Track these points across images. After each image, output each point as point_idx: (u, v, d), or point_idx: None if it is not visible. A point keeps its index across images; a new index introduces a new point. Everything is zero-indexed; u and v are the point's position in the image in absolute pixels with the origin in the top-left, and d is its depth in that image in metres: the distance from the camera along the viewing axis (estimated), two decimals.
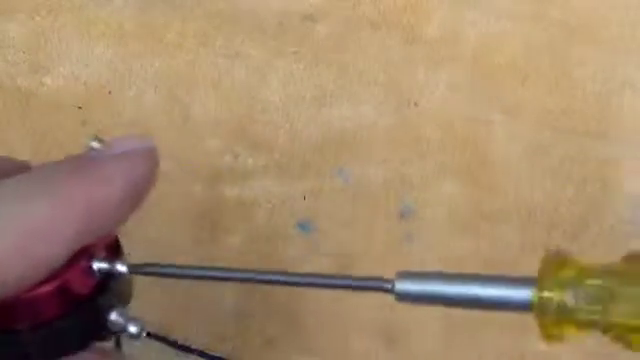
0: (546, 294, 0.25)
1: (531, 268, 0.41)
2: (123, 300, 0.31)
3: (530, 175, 0.42)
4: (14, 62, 0.44)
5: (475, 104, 0.43)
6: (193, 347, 0.41)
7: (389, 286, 0.28)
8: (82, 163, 0.29)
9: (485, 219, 0.42)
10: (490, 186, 0.42)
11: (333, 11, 0.44)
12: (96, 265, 0.29)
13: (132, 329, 0.30)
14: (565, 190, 0.42)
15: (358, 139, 0.43)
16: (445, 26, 0.44)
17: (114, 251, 0.30)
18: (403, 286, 0.28)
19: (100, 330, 0.30)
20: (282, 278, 0.30)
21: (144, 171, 0.30)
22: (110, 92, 0.43)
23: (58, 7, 0.44)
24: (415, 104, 0.43)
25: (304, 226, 0.42)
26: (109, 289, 0.30)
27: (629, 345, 0.25)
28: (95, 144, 0.31)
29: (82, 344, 0.29)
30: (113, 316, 0.30)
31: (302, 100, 0.43)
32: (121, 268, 0.29)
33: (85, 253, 0.29)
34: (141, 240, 0.42)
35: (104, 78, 0.42)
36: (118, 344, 0.37)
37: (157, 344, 0.41)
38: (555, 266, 0.26)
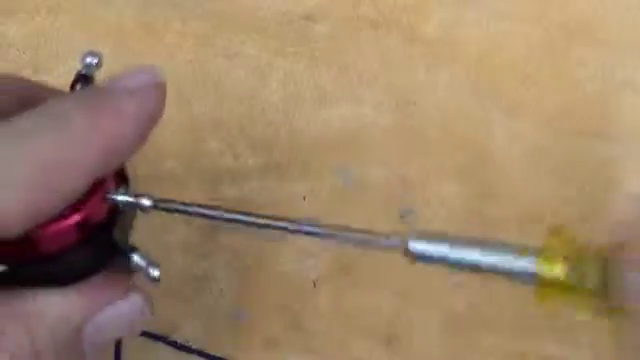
0: (548, 266, 0.28)
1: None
2: (128, 228, 0.33)
3: (530, 175, 0.42)
4: (14, 61, 0.44)
5: (475, 104, 0.43)
6: (193, 347, 0.41)
7: (398, 243, 0.30)
8: (97, 96, 0.31)
9: (485, 219, 0.42)
10: (490, 186, 0.42)
11: (333, 11, 0.44)
12: (121, 198, 0.31)
13: (152, 272, 0.32)
14: (565, 190, 0.42)
15: (358, 139, 0.43)
16: (445, 26, 0.44)
17: (124, 181, 0.32)
18: (416, 245, 0.29)
19: (114, 255, 0.32)
20: (300, 227, 0.31)
21: (154, 105, 0.31)
22: None
23: (58, 7, 0.44)
24: (415, 104, 0.43)
25: None
26: (120, 218, 0.32)
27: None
28: (89, 59, 0.34)
29: (99, 268, 0.31)
30: (135, 258, 0.32)
31: (302, 100, 0.43)
32: (146, 202, 0.32)
33: (100, 184, 0.31)
34: (140, 239, 0.42)
35: (104, 78, 0.42)
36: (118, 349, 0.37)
37: (157, 344, 0.41)
38: (558, 242, 0.29)
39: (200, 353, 0.41)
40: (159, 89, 0.32)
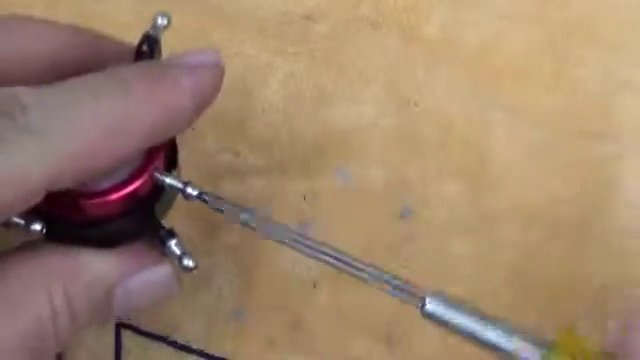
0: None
1: (531, 269, 0.41)
2: (168, 207, 0.35)
3: (530, 175, 0.42)
4: None
5: (475, 104, 0.43)
6: (193, 347, 0.41)
7: (418, 303, 0.31)
8: (158, 68, 0.33)
9: (485, 219, 0.42)
10: (490, 186, 0.42)
11: (333, 11, 0.44)
12: (170, 180, 0.33)
13: (186, 262, 0.33)
14: (565, 190, 0.42)
15: (358, 139, 0.43)
16: (445, 26, 0.44)
17: (173, 165, 0.35)
18: (432, 306, 0.31)
19: (152, 230, 0.34)
20: (327, 256, 0.33)
21: (211, 84, 0.33)
22: None
23: (56, 1, 0.44)
24: (415, 104, 0.43)
25: (304, 226, 0.42)
26: (163, 197, 0.34)
27: None
28: (160, 20, 0.36)
29: (136, 238, 0.34)
30: (172, 244, 0.34)
31: (302, 100, 0.43)
32: (192, 191, 0.34)
33: (151, 162, 0.33)
34: None
35: None
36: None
37: (157, 344, 0.41)
38: (566, 341, 0.31)
39: (200, 353, 0.41)
40: (218, 70, 0.34)
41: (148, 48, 0.37)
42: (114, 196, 0.32)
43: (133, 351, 0.40)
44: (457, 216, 0.42)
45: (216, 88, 0.34)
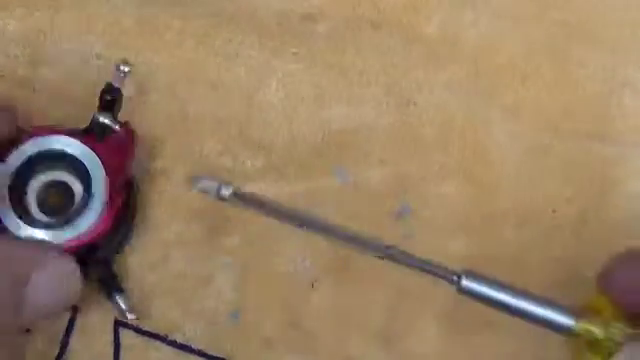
0: (585, 325, 0.33)
1: (531, 269, 0.41)
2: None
3: (530, 175, 0.42)
4: (14, 57, 0.44)
5: (475, 104, 0.43)
6: (193, 347, 0.41)
7: (455, 278, 0.34)
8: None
9: (485, 219, 0.42)
10: (490, 186, 0.42)
11: (333, 11, 0.44)
12: (204, 183, 0.37)
13: (129, 316, 0.40)
14: (565, 190, 0.42)
15: (358, 139, 0.43)
16: (445, 26, 0.44)
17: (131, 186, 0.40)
18: (467, 283, 0.33)
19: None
20: (363, 244, 0.35)
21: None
22: None
23: (58, 3, 0.44)
24: (415, 104, 0.43)
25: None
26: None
27: None
28: (123, 67, 0.39)
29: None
30: (118, 299, 0.40)
31: (301, 100, 0.43)
32: (225, 192, 0.36)
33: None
34: (141, 239, 0.42)
35: (102, 75, 0.42)
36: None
37: (157, 343, 0.41)
38: (595, 305, 0.34)
39: (200, 353, 0.41)
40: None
41: (111, 98, 0.39)
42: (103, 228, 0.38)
43: (133, 350, 0.40)
44: (456, 216, 0.42)
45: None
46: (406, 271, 0.36)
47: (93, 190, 0.38)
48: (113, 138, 0.39)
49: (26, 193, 0.39)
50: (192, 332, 0.41)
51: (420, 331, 0.41)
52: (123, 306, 0.39)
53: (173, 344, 0.41)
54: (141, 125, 0.41)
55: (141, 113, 0.42)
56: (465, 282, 0.33)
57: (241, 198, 0.35)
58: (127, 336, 0.40)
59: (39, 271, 0.35)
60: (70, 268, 0.36)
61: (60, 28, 0.44)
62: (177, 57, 0.43)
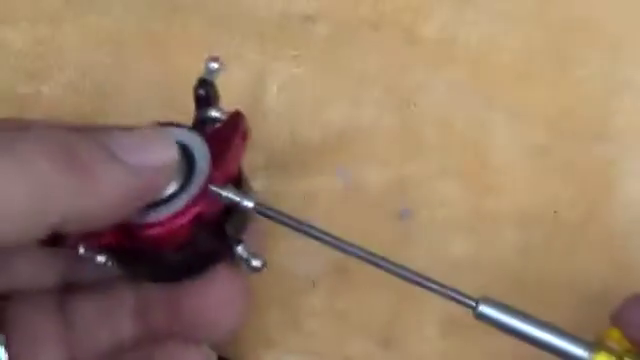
0: (600, 357, 0.33)
1: (531, 269, 0.41)
2: (243, 228, 0.34)
3: (530, 175, 0.42)
4: (15, 69, 0.44)
5: (475, 105, 0.43)
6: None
7: (473, 304, 0.33)
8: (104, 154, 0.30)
9: (485, 220, 0.42)
10: (490, 186, 0.42)
11: (333, 12, 0.44)
12: (225, 195, 0.32)
13: (255, 263, 0.33)
14: (565, 191, 0.42)
15: (358, 139, 0.43)
16: (445, 27, 0.44)
17: (240, 183, 0.34)
18: (484, 309, 0.33)
19: (226, 252, 0.33)
20: (380, 262, 0.34)
21: (152, 187, 0.31)
22: (110, 100, 0.44)
23: (60, 15, 0.44)
24: (415, 104, 0.43)
25: None
26: (233, 217, 0.33)
27: None
28: (213, 65, 0.36)
29: (211, 264, 0.34)
30: (239, 249, 0.33)
31: (302, 102, 0.43)
32: (248, 204, 0.32)
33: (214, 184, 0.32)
34: None
35: (104, 86, 0.42)
36: None
37: None
38: (609, 340, 0.34)
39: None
40: (165, 170, 0.31)
41: (205, 92, 0.36)
42: (179, 223, 0.32)
43: None
44: (457, 216, 0.42)
45: (157, 189, 0.31)
46: None
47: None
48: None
49: None
50: None
51: (420, 331, 0.41)
52: (245, 255, 0.34)
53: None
54: None
55: (143, 120, 0.43)
56: (482, 308, 0.33)
57: (262, 212, 0.34)
58: None
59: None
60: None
61: (62, 41, 0.44)
62: (178, 63, 0.44)
